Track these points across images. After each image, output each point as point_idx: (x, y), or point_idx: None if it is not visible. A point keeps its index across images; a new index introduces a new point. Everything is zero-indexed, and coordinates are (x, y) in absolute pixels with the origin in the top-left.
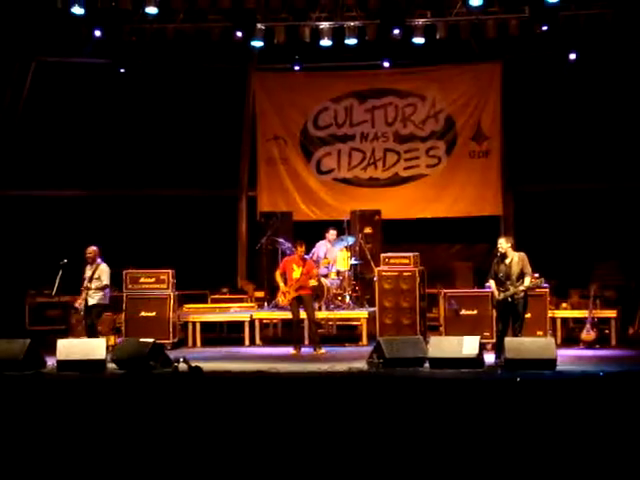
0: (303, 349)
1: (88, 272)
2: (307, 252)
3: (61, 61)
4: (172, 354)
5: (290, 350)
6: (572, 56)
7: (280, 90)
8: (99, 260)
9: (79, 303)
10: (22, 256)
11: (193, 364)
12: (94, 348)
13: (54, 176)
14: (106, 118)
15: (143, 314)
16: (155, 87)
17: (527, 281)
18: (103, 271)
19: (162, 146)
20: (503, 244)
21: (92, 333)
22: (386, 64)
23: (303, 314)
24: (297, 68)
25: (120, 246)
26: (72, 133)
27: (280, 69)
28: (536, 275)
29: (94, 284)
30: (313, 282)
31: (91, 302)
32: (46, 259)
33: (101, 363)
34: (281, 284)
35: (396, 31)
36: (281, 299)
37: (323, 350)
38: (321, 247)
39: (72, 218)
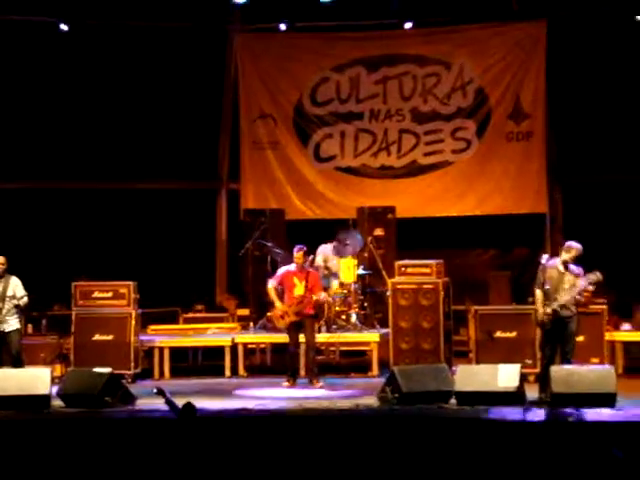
0: (299, 381)
1: None
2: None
3: None
4: (134, 388)
5: (283, 382)
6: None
7: (269, 56)
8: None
9: None
10: None
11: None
12: (35, 380)
13: None
14: (46, 91)
15: (97, 337)
16: (110, 52)
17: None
18: (18, 285)
19: (118, 127)
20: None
21: (18, 365)
22: (408, 24)
23: (301, 338)
24: (283, 28)
25: (69, 251)
26: (7, 112)
27: (269, 29)
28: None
29: (9, 304)
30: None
31: (9, 328)
32: None
33: (44, 399)
34: (277, 302)
35: None
36: (278, 321)
37: (322, 383)
38: (321, 253)
39: (11, 215)
